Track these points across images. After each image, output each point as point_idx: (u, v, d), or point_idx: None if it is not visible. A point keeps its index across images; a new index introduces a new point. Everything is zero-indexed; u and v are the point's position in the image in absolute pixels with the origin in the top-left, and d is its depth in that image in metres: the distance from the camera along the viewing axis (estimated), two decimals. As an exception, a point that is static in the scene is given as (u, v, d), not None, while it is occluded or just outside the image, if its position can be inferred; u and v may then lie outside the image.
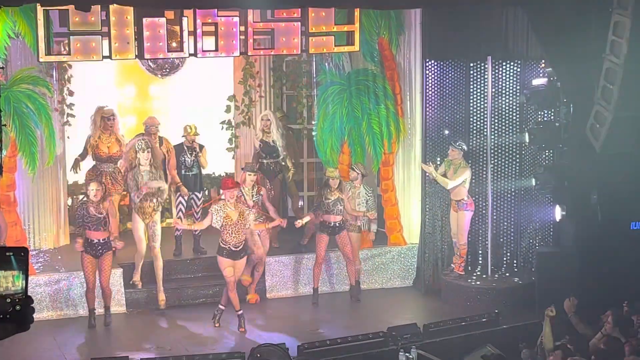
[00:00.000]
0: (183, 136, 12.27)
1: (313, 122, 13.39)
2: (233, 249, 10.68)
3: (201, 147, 12.37)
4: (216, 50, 11.12)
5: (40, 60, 10.78)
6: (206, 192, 13.46)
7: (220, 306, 10.94)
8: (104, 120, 11.95)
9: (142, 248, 11.36)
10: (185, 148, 12.24)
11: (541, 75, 11.86)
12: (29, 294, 2.16)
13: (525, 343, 9.45)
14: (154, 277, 11.39)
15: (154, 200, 11.26)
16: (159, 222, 11.42)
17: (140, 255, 11.43)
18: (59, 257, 11.87)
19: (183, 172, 12.19)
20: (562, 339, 9.10)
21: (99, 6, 10.43)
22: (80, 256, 10.62)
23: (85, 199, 10.75)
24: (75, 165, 12.12)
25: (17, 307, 2.13)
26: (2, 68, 9.27)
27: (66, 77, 12.63)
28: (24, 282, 2.15)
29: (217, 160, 13.52)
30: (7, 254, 2.15)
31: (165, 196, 11.51)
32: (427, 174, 12.02)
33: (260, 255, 11.45)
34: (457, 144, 11.88)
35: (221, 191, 11.06)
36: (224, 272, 10.73)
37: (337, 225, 11.68)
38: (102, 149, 11.91)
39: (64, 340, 10.48)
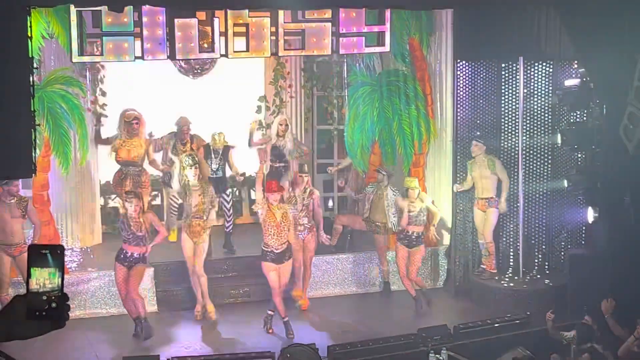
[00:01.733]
0: (208, 144, 12.28)
1: (343, 123, 13.38)
2: (275, 251, 10.60)
3: (228, 148, 12.36)
4: (247, 50, 11.15)
5: (74, 60, 10.86)
6: (236, 192, 13.49)
7: (269, 312, 10.80)
8: (127, 124, 11.95)
9: (191, 267, 11.09)
10: (212, 151, 12.25)
11: (574, 75, 11.77)
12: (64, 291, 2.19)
13: (556, 354, 9.41)
14: (183, 277, 11.40)
15: (203, 218, 10.99)
16: (207, 241, 11.19)
17: (195, 275, 11.15)
18: (92, 256, 11.97)
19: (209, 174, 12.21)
20: (587, 343, 9.04)
21: (132, 7, 10.50)
22: (114, 265, 10.50)
23: (123, 212, 10.45)
24: (99, 139, 12.12)
25: (53, 305, 2.15)
26: (36, 68, 9.36)
27: (99, 77, 12.73)
28: (59, 279, 2.16)
29: (248, 160, 13.53)
30: (43, 251, 2.17)
31: (213, 218, 11.18)
32: (457, 190, 12.05)
33: (303, 260, 11.42)
34: (478, 139, 11.90)
35: (265, 193, 10.88)
36: (268, 277, 10.65)
37: (415, 236, 11.51)
38: (121, 155, 11.90)
39: (95, 338, 10.57)
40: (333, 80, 13.93)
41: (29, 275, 2.17)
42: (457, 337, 10.12)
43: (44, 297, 2.15)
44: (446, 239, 12.60)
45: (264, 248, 10.65)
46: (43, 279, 2.15)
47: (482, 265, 12.26)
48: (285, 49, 11.47)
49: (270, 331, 10.74)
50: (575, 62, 11.80)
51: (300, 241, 11.32)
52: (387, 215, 11.92)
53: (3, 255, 10.42)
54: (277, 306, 10.66)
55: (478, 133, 12.15)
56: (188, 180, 10.94)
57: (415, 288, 11.64)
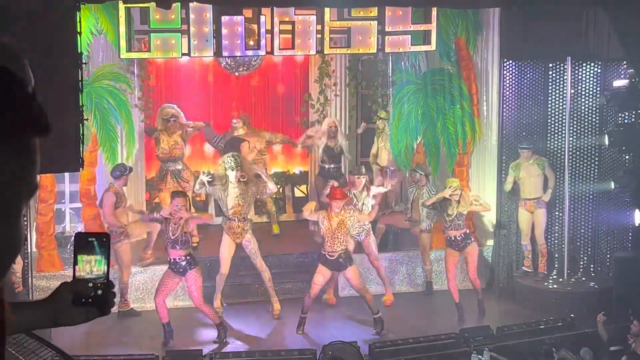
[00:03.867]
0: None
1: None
2: (328, 257, 10.60)
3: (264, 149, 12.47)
4: (293, 48, 11.19)
5: (122, 57, 11.00)
6: (280, 190, 13.53)
7: (302, 315, 10.76)
8: (164, 121, 12.00)
9: (225, 270, 11.02)
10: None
11: (622, 76, 11.62)
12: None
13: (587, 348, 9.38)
14: (217, 272, 11.45)
15: (243, 220, 10.93)
16: (254, 239, 11.09)
17: (222, 278, 11.07)
18: (132, 249, 12.04)
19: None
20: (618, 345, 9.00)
21: (179, 4, 10.59)
22: (164, 273, 10.46)
23: (164, 215, 10.29)
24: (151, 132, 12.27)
25: (99, 292, 2.18)
26: (85, 64, 9.47)
27: (146, 74, 12.85)
28: (105, 267, 2.19)
29: (292, 158, 13.60)
30: (90, 239, 2.20)
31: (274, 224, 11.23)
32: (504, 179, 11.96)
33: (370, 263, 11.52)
34: (523, 145, 11.79)
35: (328, 200, 10.76)
36: (314, 276, 10.68)
37: (460, 238, 11.32)
38: (163, 146, 11.97)
39: (140, 333, 10.67)
40: (378, 79, 13.88)
41: (75, 262, 2.20)
42: (500, 338, 10.05)
43: (90, 285, 2.18)
44: (489, 238, 12.50)
45: (321, 250, 10.71)
46: (90, 266, 2.18)
47: (523, 267, 12.15)
48: (330, 47, 11.49)
49: (300, 333, 10.68)
50: (624, 62, 11.64)
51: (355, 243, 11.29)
52: (420, 214, 11.85)
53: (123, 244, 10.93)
54: (305, 304, 10.67)
55: (524, 133, 12.03)
56: (228, 182, 10.85)
57: (474, 289, 11.48)
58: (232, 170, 10.78)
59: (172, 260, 10.25)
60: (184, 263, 10.22)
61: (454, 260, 11.35)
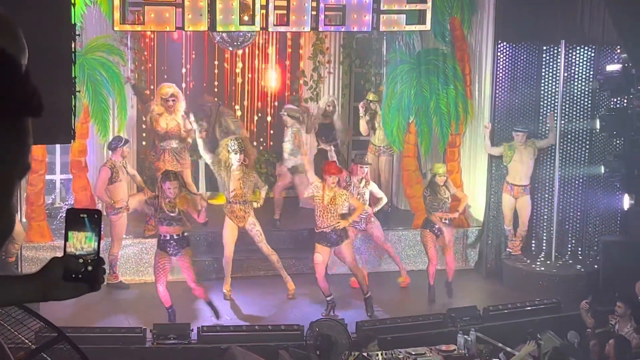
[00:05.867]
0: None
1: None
2: (323, 232, 10.54)
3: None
4: (287, 24, 11.15)
5: (115, 29, 10.94)
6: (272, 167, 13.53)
7: (327, 298, 10.61)
8: (163, 100, 11.88)
9: (229, 253, 10.95)
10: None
11: (616, 61, 11.64)
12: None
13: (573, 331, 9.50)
14: (213, 247, 11.46)
15: (244, 203, 10.83)
16: (258, 223, 11.01)
17: (227, 261, 10.96)
18: (127, 223, 12.03)
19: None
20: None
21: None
22: (155, 253, 10.36)
23: (158, 193, 10.19)
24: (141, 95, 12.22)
25: (89, 268, 2.18)
26: (78, 35, 9.41)
27: (139, 46, 12.79)
28: (96, 243, 2.20)
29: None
30: (82, 215, 2.20)
31: (260, 203, 10.98)
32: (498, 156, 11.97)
33: (379, 246, 11.50)
34: (518, 128, 11.78)
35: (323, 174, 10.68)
36: (314, 257, 10.61)
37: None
38: (161, 124, 11.84)
39: (128, 305, 10.71)
40: (372, 58, 13.86)
41: (66, 239, 2.21)
42: (486, 319, 10.13)
43: (81, 261, 2.18)
44: (479, 220, 12.55)
45: (315, 228, 10.65)
46: (80, 242, 2.19)
47: (507, 249, 12.19)
48: (325, 24, 11.45)
49: (331, 315, 10.45)
50: (618, 47, 11.66)
51: (357, 232, 11.26)
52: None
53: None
54: (318, 284, 10.57)
55: (516, 116, 12.03)
56: (231, 165, 10.78)
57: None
58: (236, 153, 10.71)
59: (162, 238, 10.14)
60: (174, 243, 10.10)
61: (431, 243, 11.27)
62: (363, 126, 13.02)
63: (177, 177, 10.24)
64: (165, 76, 12.80)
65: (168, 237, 10.11)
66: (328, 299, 10.57)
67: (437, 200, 11.17)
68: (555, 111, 11.98)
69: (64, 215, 2.28)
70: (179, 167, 11.64)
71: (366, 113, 12.92)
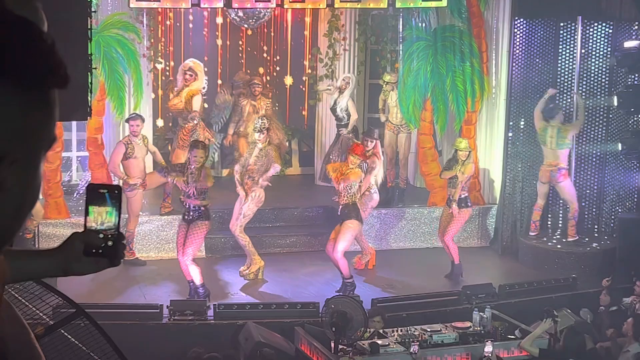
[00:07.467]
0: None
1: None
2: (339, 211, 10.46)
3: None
4: (303, 1, 11.11)
5: (131, 5, 10.94)
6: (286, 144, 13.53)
7: (346, 281, 10.43)
8: (183, 74, 11.92)
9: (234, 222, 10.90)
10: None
11: (634, 37, 11.55)
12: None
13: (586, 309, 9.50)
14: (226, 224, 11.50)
15: (253, 180, 10.71)
16: (254, 205, 10.81)
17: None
18: (144, 200, 12.03)
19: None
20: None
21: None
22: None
23: (182, 161, 10.23)
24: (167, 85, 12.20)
25: (110, 243, 2.19)
26: (94, 12, 9.40)
27: (155, 23, 12.78)
28: (116, 218, 2.20)
29: (299, 114, 13.58)
30: (102, 191, 2.21)
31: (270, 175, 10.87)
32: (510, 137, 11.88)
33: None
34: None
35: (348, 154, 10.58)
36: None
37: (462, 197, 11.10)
38: (175, 102, 11.91)
39: (145, 282, 10.77)
40: (387, 34, 13.78)
41: (86, 214, 2.21)
42: (502, 296, 10.13)
43: (101, 236, 2.20)
44: (495, 197, 12.52)
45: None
46: (100, 217, 2.20)
47: (530, 233, 12.03)
48: (341, 1, 11.40)
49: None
50: (636, 23, 11.56)
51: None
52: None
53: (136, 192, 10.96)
54: (340, 266, 10.39)
55: (551, 104, 11.80)
56: (256, 141, 10.75)
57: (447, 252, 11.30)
58: (260, 133, 10.64)
59: (187, 206, 10.06)
60: (191, 212, 10.06)
61: (446, 218, 11.17)
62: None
63: (205, 147, 10.22)
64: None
65: (187, 205, 10.08)
66: (348, 281, 10.42)
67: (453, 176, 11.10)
68: (573, 88, 11.91)
69: (81, 191, 2.29)
70: (202, 136, 11.63)
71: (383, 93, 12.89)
